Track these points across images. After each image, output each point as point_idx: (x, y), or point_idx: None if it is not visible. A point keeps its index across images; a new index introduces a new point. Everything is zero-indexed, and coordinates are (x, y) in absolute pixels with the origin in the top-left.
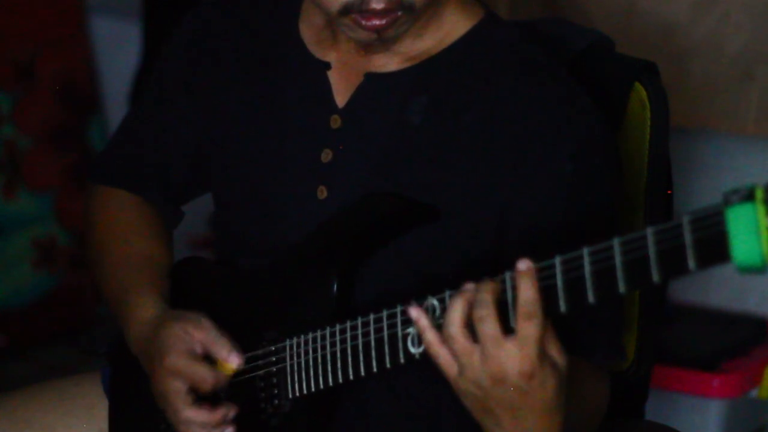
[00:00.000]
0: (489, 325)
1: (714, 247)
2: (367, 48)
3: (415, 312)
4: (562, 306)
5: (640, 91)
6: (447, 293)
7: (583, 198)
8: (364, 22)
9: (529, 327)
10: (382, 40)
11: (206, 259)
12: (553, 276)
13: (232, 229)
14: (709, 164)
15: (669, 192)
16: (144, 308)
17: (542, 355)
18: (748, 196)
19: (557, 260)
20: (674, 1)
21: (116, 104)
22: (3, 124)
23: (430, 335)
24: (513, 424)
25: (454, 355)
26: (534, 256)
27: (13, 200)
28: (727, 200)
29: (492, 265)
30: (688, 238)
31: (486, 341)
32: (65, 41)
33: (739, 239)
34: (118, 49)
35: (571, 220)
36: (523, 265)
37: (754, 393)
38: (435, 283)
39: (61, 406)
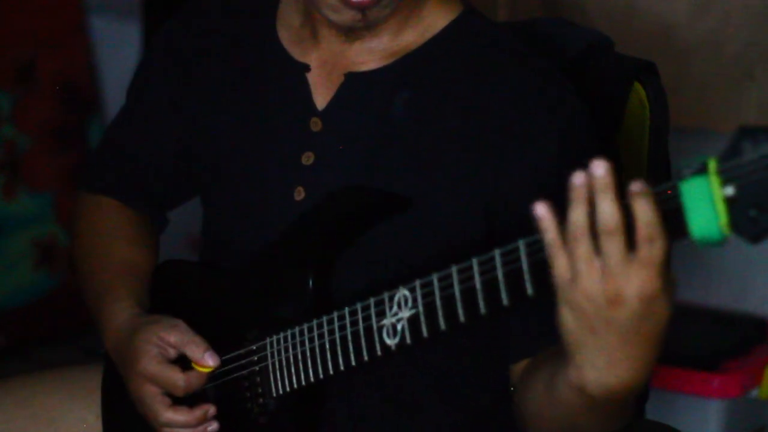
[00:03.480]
0: (615, 242)
1: (671, 222)
2: (349, 34)
3: (542, 209)
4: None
5: (639, 91)
6: (417, 282)
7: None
8: None
9: (651, 250)
10: (366, 23)
11: (187, 261)
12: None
13: (216, 231)
14: None
15: (669, 192)
16: (118, 315)
17: (663, 280)
18: (701, 169)
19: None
20: (674, 1)
21: (116, 104)
22: (3, 124)
23: (552, 236)
24: (620, 348)
25: (573, 260)
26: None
27: (13, 200)
28: (681, 174)
29: (477, 255)
30: None
31: (610, 258)
32: (65, 41)
33: (696, 212)
34: (118, 49)
35: (560, 199)
36: (636, 186)
37: (754, 393)
38: (420, 276)
39: (63, 389)
